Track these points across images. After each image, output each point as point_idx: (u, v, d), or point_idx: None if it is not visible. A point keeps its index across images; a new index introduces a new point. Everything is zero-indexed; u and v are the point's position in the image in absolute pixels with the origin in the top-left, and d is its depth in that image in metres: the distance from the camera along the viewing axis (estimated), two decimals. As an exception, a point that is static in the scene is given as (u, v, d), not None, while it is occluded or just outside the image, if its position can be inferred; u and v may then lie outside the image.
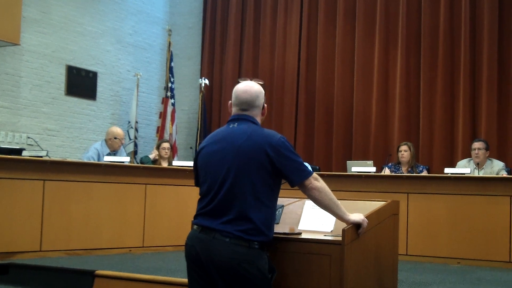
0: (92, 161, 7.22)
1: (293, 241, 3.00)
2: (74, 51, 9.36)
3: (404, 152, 7.49)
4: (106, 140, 7.71)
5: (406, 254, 6.45)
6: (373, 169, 7.14)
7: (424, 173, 7.36)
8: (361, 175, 7.00)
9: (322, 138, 9.70)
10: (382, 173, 7.40)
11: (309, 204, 3.21)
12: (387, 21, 9.39)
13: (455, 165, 7.55)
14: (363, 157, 8.98)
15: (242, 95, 3.01)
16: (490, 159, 7.25)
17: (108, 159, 7.00)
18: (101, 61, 9.80)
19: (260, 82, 3.11)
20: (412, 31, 9.18)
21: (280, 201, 3.05)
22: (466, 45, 8.67)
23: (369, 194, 6.68)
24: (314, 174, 2.87)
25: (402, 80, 9.11)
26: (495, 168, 7.10)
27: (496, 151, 8.11)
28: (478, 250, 6.32)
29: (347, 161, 7.76)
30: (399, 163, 7.57)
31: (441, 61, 8.87)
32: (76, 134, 9.35)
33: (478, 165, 7.16)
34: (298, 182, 2.86)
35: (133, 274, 4.81)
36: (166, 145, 8.21)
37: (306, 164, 2.92)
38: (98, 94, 9.72)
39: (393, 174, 7.33)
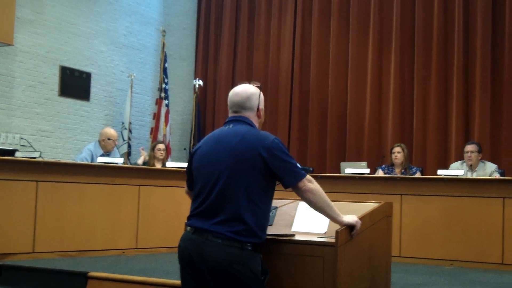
0: (85, 162, 7.20)
1: (287, 242, 3.00)
2: (68, 51, 9.35)
3: (398, 154, 7.51)
4: (99, 141, 7.70)
5: (400, 256, 6.45)
6: (367, 170, 7.15)
7: (418, 175, 7.37)
8: (354, 177, 7.01)
9: (316, 139, 9.72)
10: (376, 175, 7.41)
11: (302, 205, 3.21)
12: (381, 22, 9.42)
13: (448, 167, 7.56)
14: (357, 158, 8.99)
15: (233, 97, 3.05)
16: (483, 162, 7.26)
17: (101, 160, 6.99)
18: (95, 62, 9.79)
19: (256, 85, 3.13)
20: (405, 33, 9.20)
21: (274, 202, 3.05)
22: (460, 47, 8.70)
23: (363, 195, 6.68)
24: (308, 176, 2.88)
25: (396, 82, 9.14)
26: (488, 170, 7.12)
27: (489, 153, 8.14)
28: (471, 252, 6.32)
29: (341, 163, 7.76)
30: (392, 164, 7.58)
31: (435, 62, 8.90)
32: (70, 135, 9.33)
33: (471, 167, 7.17)
34: (292, 184, 2.86)
35: (126, 276, 4.81)
36: (161, 146, 8.20)
37: (299, 166, 2.93)
38: (92, 95, 9.70)
39: (386, 175, 7.34)
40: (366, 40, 9.49)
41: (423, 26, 9.05)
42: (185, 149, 10.30)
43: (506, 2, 8.56)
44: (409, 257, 6.45)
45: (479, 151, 7.24)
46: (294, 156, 2.95)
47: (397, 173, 7.45)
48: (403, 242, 6.55)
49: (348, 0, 9.71)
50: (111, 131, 7.79)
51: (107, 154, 7.58)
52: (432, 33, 8.98)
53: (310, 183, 2.87)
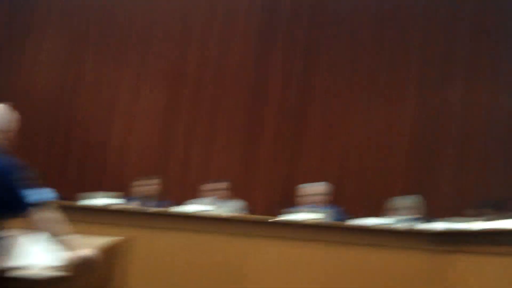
0: None
1: (13, 278, 2.84)
2: None
3: (148, 187, 7.63)
4: None
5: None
6: (116, 201, 6.93)
7: (162, 209, 7.26)
8: (96, 209, 6.70)
9: (76, 166, 9.65)
10: (119, 207, 7.12)
11: (34, 236, 3.07)
12: (142, 46, 9.79)
13: (200, 203, 7.70)
14: (112, 188, 8.85)
15: None
16: (229, 199, 7.56)
17: None
18: None
19: (6, 105, 3.05)
20: (175, 67, 9.67)
21: (7, 232, 2.89)
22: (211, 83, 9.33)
23: (102, 228, 6.16)
24: (44, 204, 2.85)
25: (154, 110, 9.63)
26: (234, 207, 7.41)
27: (241, 192, 8.45)
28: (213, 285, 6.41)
29: (84, 193, 7.37)
30: (145, 197, 7.58)
31: (203, 100, 9.56)
32: None
33: (219, 204, 7.37)
34: (26, 211, 2.80)
35: None
36: None
37: (44, 192, 2.87)
38: None
39: (131, 208, 7.07)
40: (133, 71, 9.77)
41: (198, 57, 9.65)
42: None
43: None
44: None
45: (226, 189, 7.58)
46: (46, 183, 2.89)
47: (146, 206, 7.35)
48: (143, 277, 6.35)
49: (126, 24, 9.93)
50: None
51: None
52: (205, 73, 9.57)
53: (46, 212, 2.84)
